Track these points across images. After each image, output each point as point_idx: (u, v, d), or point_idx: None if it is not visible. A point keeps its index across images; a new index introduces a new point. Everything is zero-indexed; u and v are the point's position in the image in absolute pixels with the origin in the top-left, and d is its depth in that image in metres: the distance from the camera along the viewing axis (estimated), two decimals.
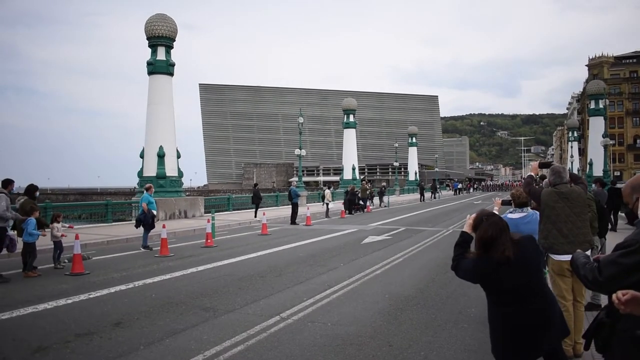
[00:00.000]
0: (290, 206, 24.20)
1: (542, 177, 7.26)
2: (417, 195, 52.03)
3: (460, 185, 73.39)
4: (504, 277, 3.37)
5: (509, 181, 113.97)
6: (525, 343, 3.39)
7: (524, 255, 3.41)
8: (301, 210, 24.93)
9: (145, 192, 15.71)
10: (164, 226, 14.28)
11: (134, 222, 15.67)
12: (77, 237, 11.30)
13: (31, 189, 11.67)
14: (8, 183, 10.73)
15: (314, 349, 5.81)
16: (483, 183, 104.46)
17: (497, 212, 6.68)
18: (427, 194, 51.95)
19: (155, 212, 15.24)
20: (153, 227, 14.93)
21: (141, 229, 14.74)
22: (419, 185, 52.27)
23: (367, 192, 33.77)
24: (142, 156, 26.41)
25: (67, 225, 12.33)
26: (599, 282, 2.51)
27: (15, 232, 11.18)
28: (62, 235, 11.63)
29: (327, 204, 28.18)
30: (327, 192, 29.96)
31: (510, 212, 6.25)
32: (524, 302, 3.39)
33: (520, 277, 3.39)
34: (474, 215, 3.66)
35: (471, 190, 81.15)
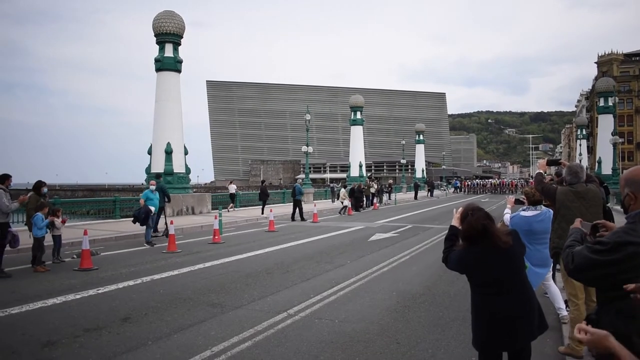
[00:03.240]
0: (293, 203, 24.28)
1: (558, 174, 7.16)
2: (423, 193, 51.88)
3: (459, 184, 72.10)
4: (488, 268, 3.51)
5: (511, 180, 76.41)
6: (504, 333, 3.50)
7: (509, 248, 3.52)
8: (308, 207, 24.94)
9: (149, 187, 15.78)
10: (171, 222, 14.32)
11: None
12: (85, 233, 11.36)
13: (38, 185, 11.75)
14: (5, 178, 10.68)
15: (321, 346, 5.81)
16: (469, 182, 71.00)
17: (509, 211, 6.65)
18: (423, 193, 51.74)
19: (153, 209, 15.13)
20: (144, 223, 14.69)
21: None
22: (415, 184, 52.02)
23: (370, 190, 33.73)
24: (149, 153, 26.51)
25: (59, 220, 12.18)
26: (569, 269, 2.64)
27: (27, 226, 11.29)
28: (64, 221, 11.96)
29: (343, 202, 28.26)
30: (343, 191, 30.00)
31: (524, 210, 6.21)
32: (505, 293, 3.52)
33: (503, 269, 3.52)
34: (460, 209, 3.77)
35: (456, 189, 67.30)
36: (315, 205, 25.43)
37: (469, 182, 70.30)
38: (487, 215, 3.60)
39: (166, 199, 17.00)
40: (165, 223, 15.85)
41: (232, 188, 30.51)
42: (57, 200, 20.03)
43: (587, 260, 2.51)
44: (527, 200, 6.19)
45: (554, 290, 6.72)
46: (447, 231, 3.99)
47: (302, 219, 23.13)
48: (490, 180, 73.12)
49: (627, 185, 2.59)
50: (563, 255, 2.75)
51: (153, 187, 15.72)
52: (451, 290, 8.70)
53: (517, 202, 6.77)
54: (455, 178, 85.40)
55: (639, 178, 2.56)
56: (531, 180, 44.17)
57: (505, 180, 73.42)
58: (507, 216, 6.61)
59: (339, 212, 27.43)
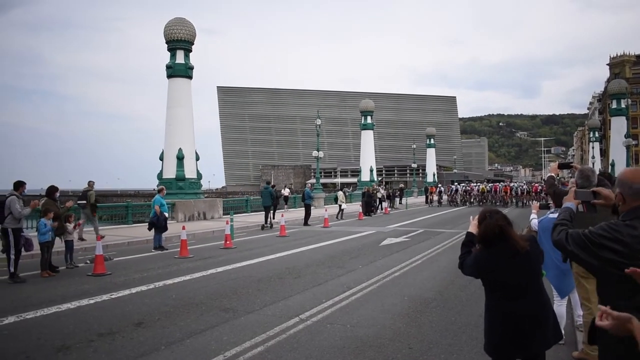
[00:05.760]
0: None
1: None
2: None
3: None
4: (503, 271, 3.49)
5: (505, 185, 44.41)
6: (517, 337, 3.46)
7: (526, 253, 3.50)
8: (319, 212, 24.99)
9: (157, 194, 15.87)
10: (183, 228, 14.41)
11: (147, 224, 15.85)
12: (99, 239, 11.46)
13: (52, 190, 11.90)
14: (19, 185, 10.88)
15: (333, 351, 5.81)
16: (440, 187, 48.39)
17: (536, 216, 6.58)
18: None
19: (167, 214, 15.40)
20: (166, 229, 15.11)
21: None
22: (425, 188, 51.54)
23: (377, 195, 33.81)
24: (161, 158, 26.73)
25: (72, 225, 12.32)
26: (567, 249, 2.76)
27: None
28: (76, 227, 12.26)
29: (340, 205, 28.21)
30: (340, 193, 29.99)
31: (552, 213, 6.17)
32: (519, 298, 3.48)
33: (519, 273, 3.49)
34: (477, 216, 3.76)
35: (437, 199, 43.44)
36: (326, 210, 25.42)
37: (441, 187, 46.48)
38: (505, 218, 3.59)
39: (273, 200, 23.23)
40: (273, 218, 21.74)
41: (286, 191, 34.90)
42: (72, 207, 20.17)
43: (576, 249, 2.69)
44: (555, 203, 6.05)
45: (577, 296, 6.62)
46: (461, 236, 3.99)
47: (306, 223, 23.15)
48: (478, 184, 45.73)
49: (619, 185, 2.73)
50: (555, 230, 2.87)
51: (164, 193, 15.94)
52: (463, 295, 8.66)
53: (543, 207, 6.69)
54: (466, 182, 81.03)
55: (630, 181, 2.67)
56: (534, 185, 39.43)
57: (498, 185, 43.24)
58: (534, 221, 6.53)
59: (336, 217, 27.03)
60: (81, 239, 15.97)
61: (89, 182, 17.30)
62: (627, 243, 2.51)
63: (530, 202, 35.88)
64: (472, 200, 42.04)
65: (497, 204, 38.81)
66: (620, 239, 2.53)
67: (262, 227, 21.39)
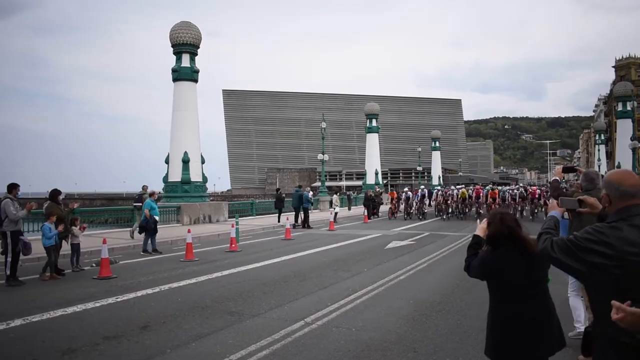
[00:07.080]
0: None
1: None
2: None
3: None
4: (509, 273, 3.46)
5: (491, 189, 31.01)
6: (520, 343, 3.42)
7: (533, 255, 3.45)
8: (325, 215, 25.05)
9: (148, 197, 16.09)
10: (189, 231, 14.43)
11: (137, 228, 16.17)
12: (104, 242, 11.50)
13: (54, 194, 11.93)
14: (13, 187, 10.88)
15: (339, 354, 5.80)
16: (407, 190, 32.97)
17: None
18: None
19: (157, 218, 15.57)
20: (156, 231, 15.32)
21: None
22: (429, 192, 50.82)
23: (379, 197, 34.09)
24: (167, 162, 26.80)
25: (78, 228, 12.36)
26: (552, 256, 2.69)
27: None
28: (82, 229, 12.35)
29: (334, 208, 28.21)
30: (335, 197, 30.10)
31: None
32: (524, 301, 3.45)
33: (525, 275, 3.46)
34: (486, 219, 3.74)
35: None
36: (331, 213, 25.44)
37: (408, 192, 31.61)
38: (516, 220, 3.59)
39: (303, 202, 24.59)
40: (301, 217, 23.43)
41: (310, 194, 35.27)
42: (77, 210, 20.26)
43: (562, 256, 2.62)
44: None
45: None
46: (467, 239, 3.98)
47: (304, 226, 23.80)
48: (459, 187, 32.76)
49: (605, 187, 2.72)
50: (540, 239, 2.84)
51: (155, 197, 16.42)
52: (469, 298, 8.63)
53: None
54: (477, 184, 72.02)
55: (617, 183, 2.64)
56: (530, 190, 36.53)
57: (481, 189, 31.47)
58: None
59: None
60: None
61: (143, 186, 18.97)
62: (613, 245, 2.46)
63: (526, 207, 30.06)
64: (449, 209, 30.08)
65: (481, 211, 29.46)
66: (606, 241, 2.48)
67: (294, 226, 22.49)
